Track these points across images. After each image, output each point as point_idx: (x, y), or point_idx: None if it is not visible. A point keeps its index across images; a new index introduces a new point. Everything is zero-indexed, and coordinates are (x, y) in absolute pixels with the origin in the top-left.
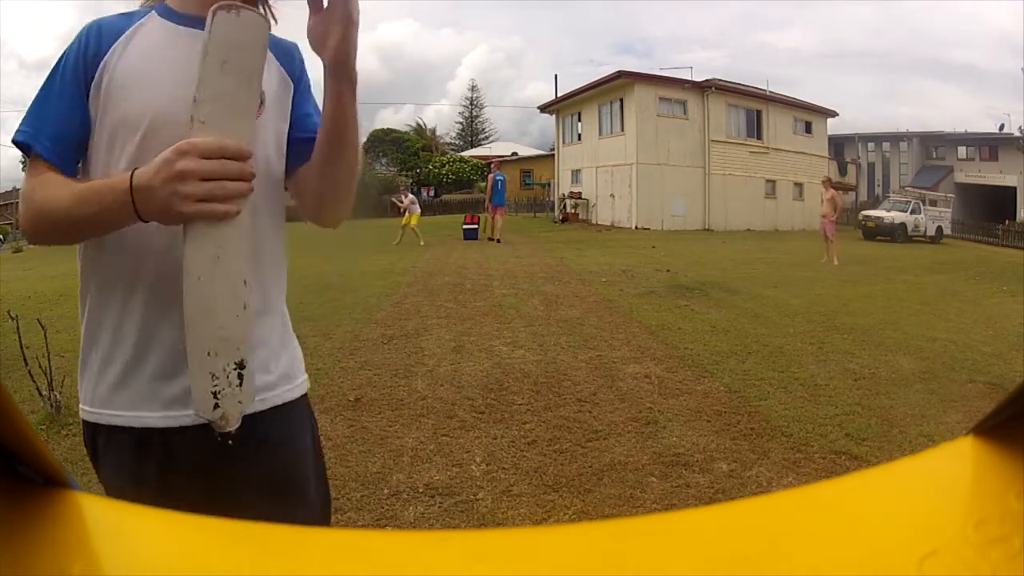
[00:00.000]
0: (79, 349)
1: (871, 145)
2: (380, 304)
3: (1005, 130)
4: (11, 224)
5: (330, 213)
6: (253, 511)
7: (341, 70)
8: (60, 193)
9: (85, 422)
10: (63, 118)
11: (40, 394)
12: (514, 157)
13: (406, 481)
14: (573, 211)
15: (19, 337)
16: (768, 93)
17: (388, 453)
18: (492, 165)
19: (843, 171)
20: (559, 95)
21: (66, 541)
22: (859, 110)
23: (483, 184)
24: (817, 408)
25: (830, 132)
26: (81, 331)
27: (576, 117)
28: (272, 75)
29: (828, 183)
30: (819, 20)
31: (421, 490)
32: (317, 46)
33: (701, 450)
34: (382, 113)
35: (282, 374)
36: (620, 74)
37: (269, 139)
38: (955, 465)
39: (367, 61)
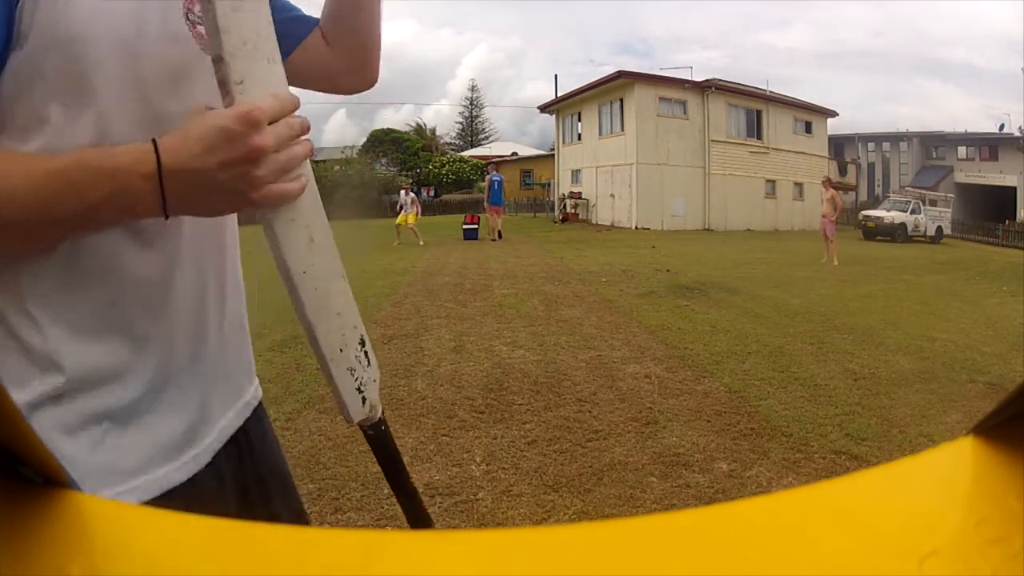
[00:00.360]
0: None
1: (871, 145)
2: (380, 304)
3: (1005, 130)
4: None
5: (363, 67)
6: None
7: None
8: (10, 173)
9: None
10: None
11: None
12: (514, 157)
13: None
14: (573, 211)
15: None
16: (768, 93)
17: None
18: (489, 166)
19: (843, 171)
20: (559, 95)
21: (66, 541)
22: (859, 110)
23: (483, 184)
24: (817, 408)
25: (830, 132)
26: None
27: (576, 117)
28: None
29: (828, 183)
30: (819, 20)
31: (421, 490)
32: None
33: (701, 450)
34: (382, 113)
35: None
36: (620, 74)
37: None
38: (955, 465)
39: None
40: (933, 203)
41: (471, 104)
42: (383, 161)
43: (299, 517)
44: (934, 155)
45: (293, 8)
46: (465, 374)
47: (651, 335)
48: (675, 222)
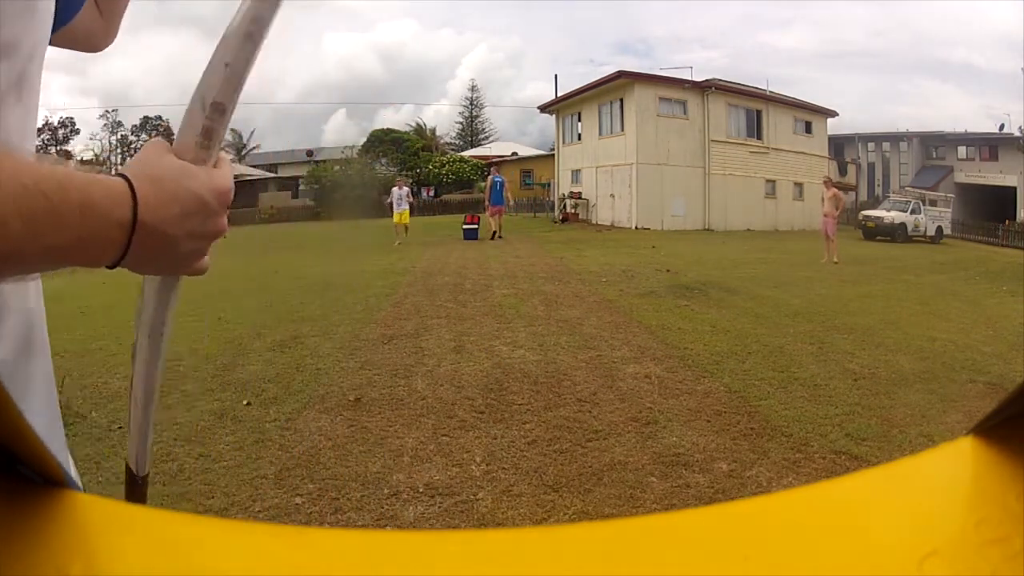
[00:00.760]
0: (82, 350)
1: (871, 145)
2: (380, 304)
3: (1005, 130)
4: None
5: (117, 27)
6: None
7: None
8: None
9: None
10: None
11: None
12: (514, 157)
13: (406, 481)
14: (573, 211)
15: None
16: (768, 93)
17: (388, 453)
18: (492, 168)
19: (843, 171)
20: (559, 95)
21: (66, 541)
22: (859, 110)
23: (483, 184)
24: (817, 408)
25: (830, 132)
26: None
27: (576, 117)
28: None
29: (829, 182)
30: (819, 20)
31: (421, 490)
32: None
33: (701, 450)
34: (382, 113)
35: None
36: (620, 74)
37: None
38: (955, 465)
39: (367, 61)
40: (933, 203)
41: (471, 104)
42: (383, 161)
43: None
44: (934, 155)
45: None
46: (465, 374)
47: (651, 335)
48: (675, 222)
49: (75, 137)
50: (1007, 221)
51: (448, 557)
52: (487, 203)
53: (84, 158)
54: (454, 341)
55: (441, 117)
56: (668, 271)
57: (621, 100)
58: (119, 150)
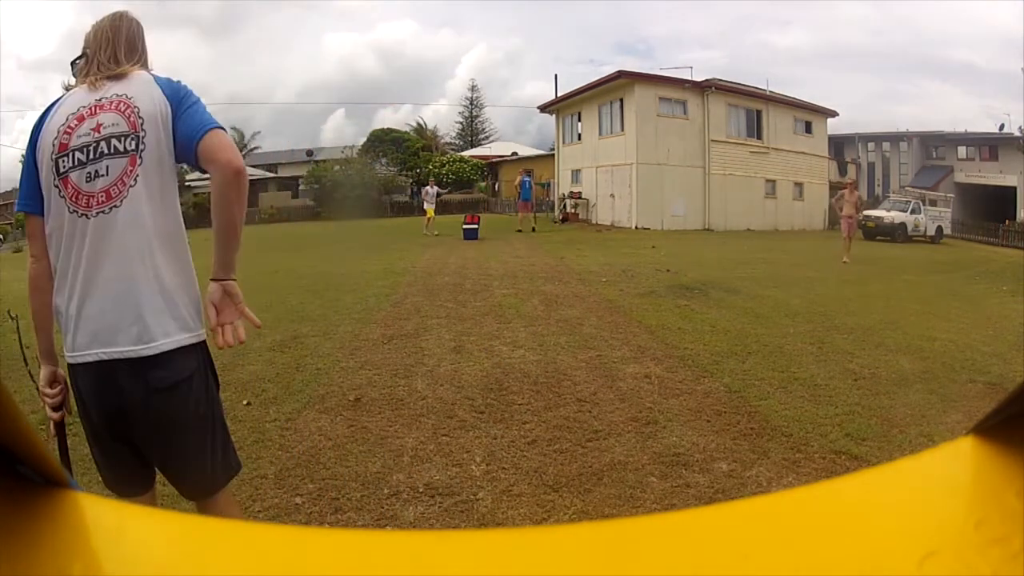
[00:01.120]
0: None
1: (871, 145)
2: (380, 304)
3: (1005, 130)
4: (11, 224)
5: None
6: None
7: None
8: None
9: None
10: None
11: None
12: (514, 157)
13: (406, 481)
14: (573, 211)
15: (19, 337)
16: (768, 93)
17: (388, 453)
18: (522, 171)
19: (843, 171)
20: (559, 95)
21: (66, 541)
22: (859, 110)
23: (483, 184)
24: (817, 408)
25: (830, 132)
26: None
27: (576, 117)
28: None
29: (852, 186)
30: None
31: (421, 490)
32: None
33: (701, 450)
34: (381, 113)
35: None
36: (620, 74)
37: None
38: (955, 465)
39: (367, 61)
40: (933, 203)
41: (471, 104)
42: (383, 161)
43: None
44: (934, 155)
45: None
46: (465, 374)
47: (651, 335)
48: (675, 222)
49: None
50: (1007, 221)
51: (448, 557)
52: (519, 200)
53: None
54: (454, 341)
55: (440, 117)
56: (668, 271)
57: (621, 100)
58: None
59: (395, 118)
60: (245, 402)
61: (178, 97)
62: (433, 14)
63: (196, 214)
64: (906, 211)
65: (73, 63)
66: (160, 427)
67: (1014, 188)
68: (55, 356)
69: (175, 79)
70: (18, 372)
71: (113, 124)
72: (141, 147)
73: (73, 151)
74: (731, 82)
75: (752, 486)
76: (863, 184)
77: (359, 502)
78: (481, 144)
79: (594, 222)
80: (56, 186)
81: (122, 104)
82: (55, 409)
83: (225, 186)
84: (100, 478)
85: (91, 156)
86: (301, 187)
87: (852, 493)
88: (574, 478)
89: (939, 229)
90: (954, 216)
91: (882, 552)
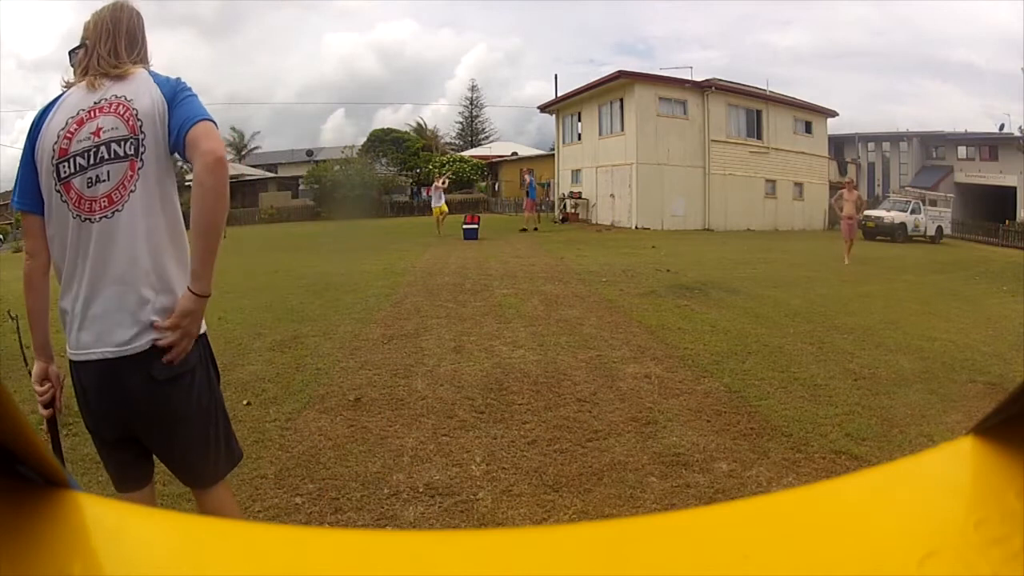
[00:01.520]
0: None
1: (871, 145)
2: (380, 304)
3: (1005, 130)
4: (11, 224)
5: None
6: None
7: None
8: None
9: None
10: None
11: None
12: (514, 157)
13: (406, 481)
14: (573, 211)
15: (19, 337)
16: (768, 93)
17: (388, 453)
18: (524, 171)
19: (843, 171)
20: (559, 95)
21: (66, 541)
22: (859, 110)
23: (483, 184)
24: (817, 408)
25: (830, 132)
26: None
27: (576, 117)
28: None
29: (851, 185)
30: (819, 20)
31: (421, 490)
32: None
33: (701, 450)
34: (380, 113)
35: None
36: (620, 74)
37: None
38: (955, 465)
39: (367, 61)
40: (933, 203)
41: (471, 104)
42: (383, 161)
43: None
44: (934, 155)
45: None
46: (465, 374)
47: (651, 335)
48: (675, 222)
49: None
50: (1007, 221)
51: (448, 557)
52: (526, 199)
53: None
54: (454, 341)
55: (440, 117)
56: (668, 271)
57: (621, 100)
58: None
59: (395, 118)
60: (245, 402)
61: (174, 92)
62: (433, 14)
63: None
64: (906, 211)
65: (71, 53)
66: (163, 419)
67: (1014, 188)
68: (50, 352)
69: (174, 77)
70: (18, 372)
71: (113, 128)
72: (141, 150)
73: (74, 156)
74: (731, 82)
75: (752, 486)
76: (863, 184)
77: (359, 502)
78: (481, 144)
79: (594, 222)
80: (57, 191)
81: (121, 106)
82: (45, 406)
83: (204, 173)
84: (100, 478)
85: (92, 161)
86: (301, 187)
87: (852, 493)
88: (574, 478)
89: (939, 229)
90: (954, 216)
91: (882, 552)
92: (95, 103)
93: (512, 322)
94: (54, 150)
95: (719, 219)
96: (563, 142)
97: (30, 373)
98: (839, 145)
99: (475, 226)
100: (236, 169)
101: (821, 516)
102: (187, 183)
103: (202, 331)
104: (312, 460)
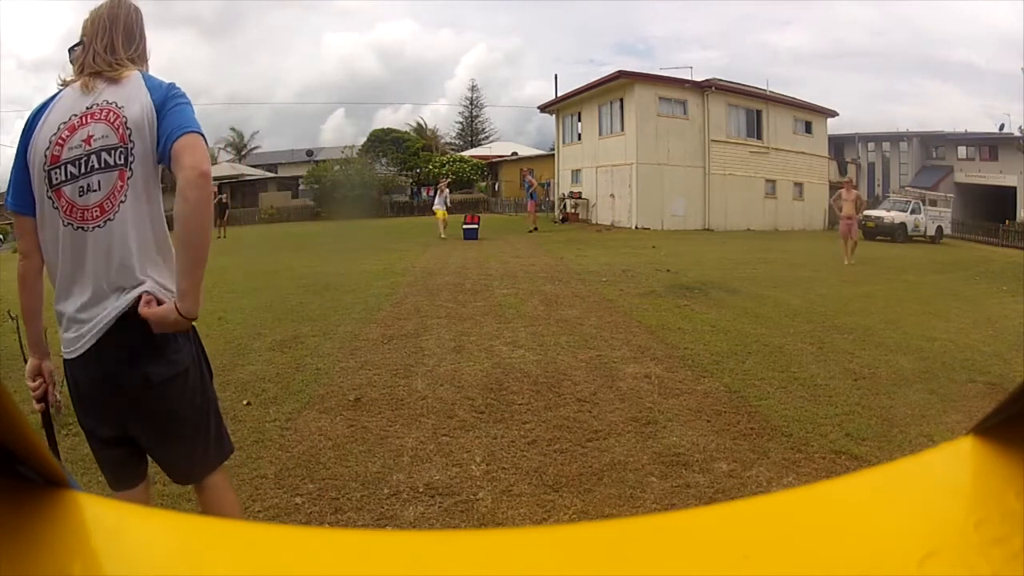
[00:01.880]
0: None
1: (871, 145)
2: (380, 304)
3: (1005, 130)
4: (11, 224)
5: None
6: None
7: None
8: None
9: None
10: None
11: None
12: (514, 157)
13: (406, 481)
14: (573, 211)
15: (19, 337)
16: (768, 93)
17: (388, 453)
18: (523, 172)
19: (843, 171)
20: (559, 95)
21: (66, 541)
22: (859, 110)
23: (483, 184)
24: (817, 408)
25: (830, 132)
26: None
27: (576, 117)
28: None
29: (850, 184)
30: (819, 20)
31: (421, 490)
32: None
33: (701, 450)
34: (381, 113)
35: None
36: (620, 74)
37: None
38: (955, 465)
39: (366, 61)
40: (933, 203)
41: (471, 104)
42: (383, 161)
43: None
44: (934, 155)
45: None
46: (465, 374)
47: (651, 335)
48: (675, 222)
49: None
50: (1007, 221)
51: (448, 557)
52: (528, 200)
53: None
54: (454, 341)
55: (440, 117)
56: (668, 271)
57: (621, 100)
58: None
59: (395, 118)
60: (245, 402)
61: (164, 99)
62: (433, 14)
63: None
64: (906, 211)
65: (71, 50)
66: (158, 419)
67: (1014, 188)
68: (44, 348)
69: (168, 82)
70: (18, 372)
71: (103, 136)
72: (130, 159)
73: (65, 164)
74: (731, 82)
75: (752, 486)
76: (863, 184)
77: (359, 502)
78: (481, 144)
79: (594, 222)
80: (49, 197)
81: (111, 113)
82: (38, 401)
83: (187, 188)
84: (100, 478)
85: (83, 170)
86: (301, 187)
87: (852, 493)
88: (574, 478)
89: (939, 229)
90: (954, 216)
91: (882, 552)
92: (87, 108)
93: (512, 322)
94: (46, 156)
95: (719, 219)
96: (563, 142)
97: None
98: (839, 145)
99: (475, 226)
100: (236, 169)
101: (821, 516)
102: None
103: (192, 330)
104: (312, 460)
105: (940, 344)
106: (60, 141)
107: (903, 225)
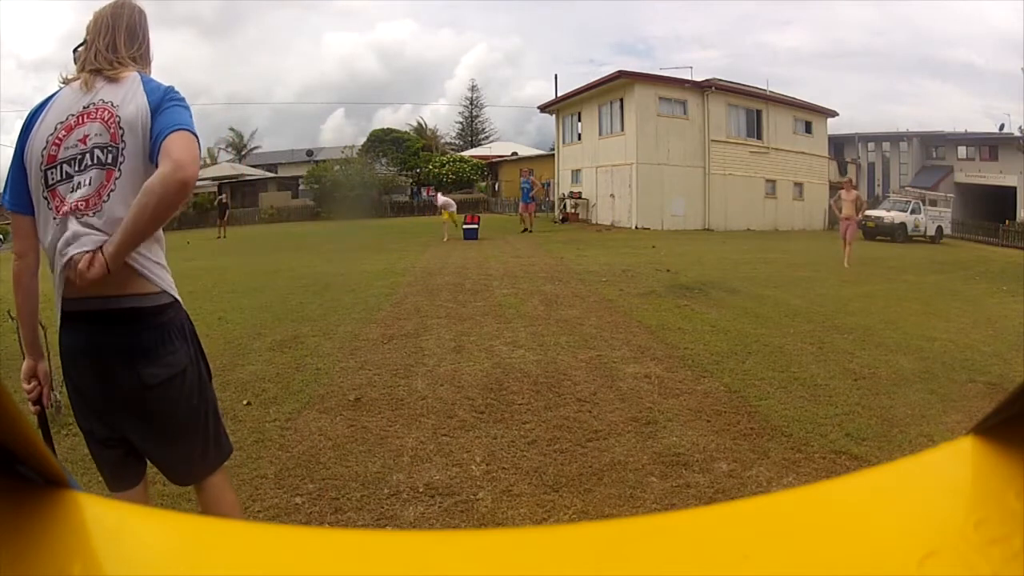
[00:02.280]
0: None
1: (871, 145)
2: (380, 304)
3: (1005, 130)
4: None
5: None
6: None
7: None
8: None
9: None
10: None
11: None
12: (514, 157)
13: (406, 481)
14: (573, 211)
15: (19, 337)
16: (768, 93)
17: (388, 453)
18: (523, 172)
19: (843, 171)
20: (559, 95)
21: (66, 541)
22: (859, 110)
23: (483, 184)
24: (817, 408)
25: (830, 132)
26: None
27: (576, 117)
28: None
29: (850, 185)
30: (819, 20)
31: (421, 490)
32: None
33: (701, 450)
34: (381, 113)
35: None
36: (620, 74)
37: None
38: (955, 465)
39: (366, 61)
40: (933, 203)
41: (471, 104)
42: (383, 161)
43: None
44: (934, 155)
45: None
46: (465, 374)
47: (651, 335)
48: (675, 222)
49: None
50: (1007, 221)
51: (448, 557)
52: (521, 201)
53: None
54: (454, 341)
55: (440, 117)
56: (668, 271)
57: (621, 100)
58: None
59: (395, 118)
60: (245, 402)
61: (161, 100)
62: (433, 14)
63: (195, 214)
64: (906, 211)
65: (75, 50)
66: (156, 421)
67: (1014, 188)
68: (39, 349)
69: (166, 84)
70: (18, 372)
71: (98, 135)
72: (120, 159)
73: (61, 164)
74: (731, 82)
75: (752, 486)
76: (863, 184)
77: (359, 502)
78: (481, 144)
79: (594, 222)
80: (45, 198)
81: (106, 112)
82: (33, 403)
83: (163, 184)
84: (100, 478)
85: (78, 168)
86: (301, 187)
87: (852, 493)
88: (574, 478)
89: (939, 229)
90: (954, 216)
91: (882, 552)
92: (84, 108)
93: (512, 322)
94: (43, 156)
95: (719, 219)
96: (563, 142)
97: None
98: (839, 145)
99: (475, 226)
100: (236, 169)
101: (821, 516)
102: None
103: (190, 329)
104: (312, 460)
105: (940, 344)
106: (57, 141)
107: (903, 225)
